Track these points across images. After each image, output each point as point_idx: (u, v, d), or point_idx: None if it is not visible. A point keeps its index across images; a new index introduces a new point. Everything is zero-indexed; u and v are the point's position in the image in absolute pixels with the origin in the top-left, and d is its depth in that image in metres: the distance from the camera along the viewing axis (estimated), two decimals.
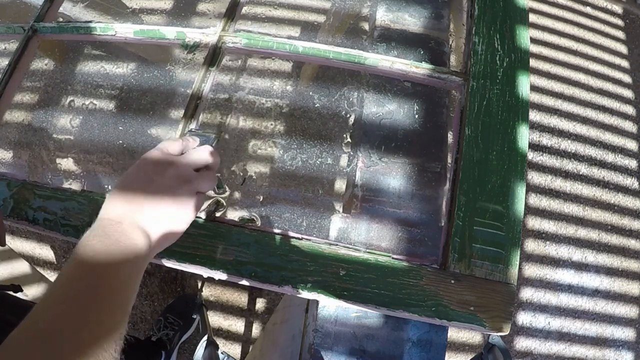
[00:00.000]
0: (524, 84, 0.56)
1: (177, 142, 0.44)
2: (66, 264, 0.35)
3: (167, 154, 0.42)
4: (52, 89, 1.26)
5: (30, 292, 1.07)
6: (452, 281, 0.46)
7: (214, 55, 0.59)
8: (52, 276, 1.33)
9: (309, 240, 0.48)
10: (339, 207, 1.11)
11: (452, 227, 0.49)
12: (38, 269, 1.25)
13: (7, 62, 0.64)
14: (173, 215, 0.40)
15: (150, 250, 0.38)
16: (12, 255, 1.10)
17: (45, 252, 1.35)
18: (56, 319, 0.31)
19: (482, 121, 0.54)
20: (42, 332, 0.30)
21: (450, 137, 0.57)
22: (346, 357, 0.48)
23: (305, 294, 0.46)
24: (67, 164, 1.12)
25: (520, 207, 0.50)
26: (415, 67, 0.57)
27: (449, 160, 0.55)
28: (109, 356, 0.31)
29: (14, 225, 0.53)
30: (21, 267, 1.09)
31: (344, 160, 1.15)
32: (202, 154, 0.44)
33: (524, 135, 0.53)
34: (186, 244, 0.48)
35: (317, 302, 0.51)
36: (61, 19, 0.94)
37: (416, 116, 0.60)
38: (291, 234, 0.49)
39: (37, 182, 0.54)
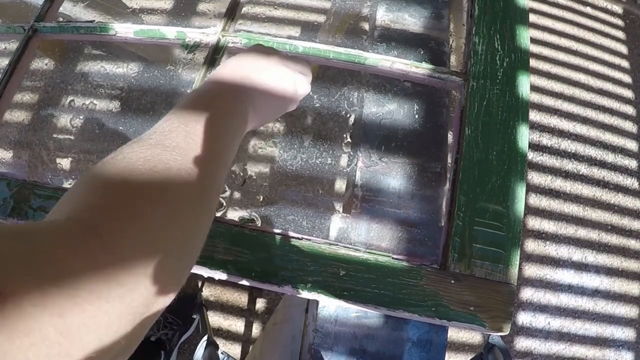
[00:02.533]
0: (524, 84, 0.56)
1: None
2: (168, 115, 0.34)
3: (274, 49, 0.43)
4: (53, 89, 1.26)
5: None
6: (452, 281, 0.46)
7: (213, 55, 0.59)
8: None
9: (309, 240, 0.48)
10: (339, 207, 1.11)
11: (452, 227, 0.49)
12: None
13: (7, 62, 0.65)
14: (276, 98, 0.40)
15: (250, 117, 0.38)
16: None
17: None
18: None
19: (482, 121, 0.54)
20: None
21: (450, 137, 0.57)
22: (346, 357, 0.48)
23: (305, 294, 0.46)
24: (67, 164, 1.12)
25: (520, 207, 0.50)
26: (415, 67, 0.57)
27: (449, 161, 0.55)
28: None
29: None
30: None
31: (344, 160, 1.15)
32: (304, 60, 0.44)
33: (524, 135, 0.53)
34: None
35: (317, 302, 0.51)
36: (62, 19, 0.94)
37: (416, 116, 0.60)
38: (291, 234, 0.49)
39: (37, 182, 0.54)
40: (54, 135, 1.21)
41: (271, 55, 0.41)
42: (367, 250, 0.48)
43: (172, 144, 0.30)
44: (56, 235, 0.22)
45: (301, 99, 0.45)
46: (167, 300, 0.26)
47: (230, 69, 0.39)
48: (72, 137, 1.20)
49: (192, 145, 0.30)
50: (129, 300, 0.22)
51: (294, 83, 0.42)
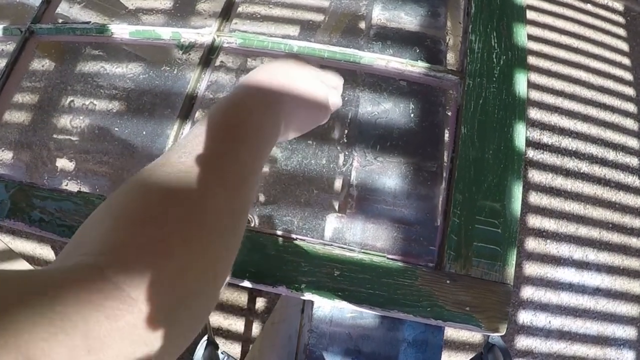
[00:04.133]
0: (521, 82, 0.56)
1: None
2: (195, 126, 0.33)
3: (306, 62, 0.42)
4: (52, 90, 1.26)
5: None
6: (448, 281, 0.46)
7: (208, 56, 0.58)
8: None
9: (304, 240, 0.48)
10: (334, 206, 1.11)
11: (448, 226, 0.48)
12: (38, 269, 1.25)
13: (4, 64, 0.65)
14: (309, 110, 0.40)
15: (280, 129, 0.37)
16: (12, 255, 1.11)
17: (45, 252, 1.35)
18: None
19: (479, 120, 0.53)
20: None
21: (446, 136, 0.57)
22: (341, 358, 0.48)
23: (299, 295, 0.46)
24: (64, 164, 1.13)
25: (517, 206, 0.50)
26: (411, 65, 0.57)
27: (445, 159, 0.55)
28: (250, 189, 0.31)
29: (13, 226, 0.53)
30: (21, 268, 1.09)
31: (339, 160, 1.15)
32: (336, 74, 0.43)
33: (521, 134, 0.53)
34: None
35: (312, 302, 0.51)
36: (60, 20, 0.94)
37: (412, 115, 0.60)
38: (285, 234, 0.48)
39: (34, 184, 0.54)
40: (54, 136, 1.22)
41: (305, 66, 0.40)
42: (362, 251, 0.48)
43: (203, 166, 0.28)
44: (76, 287, 0.20)
45: (333, 112, 0.44)
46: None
47: (263, 77, 0.38)
48: (71, 138, 1.20)
49: (225, 166, 0.29)
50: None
51: (327, 95, 0.41)
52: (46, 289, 0.19)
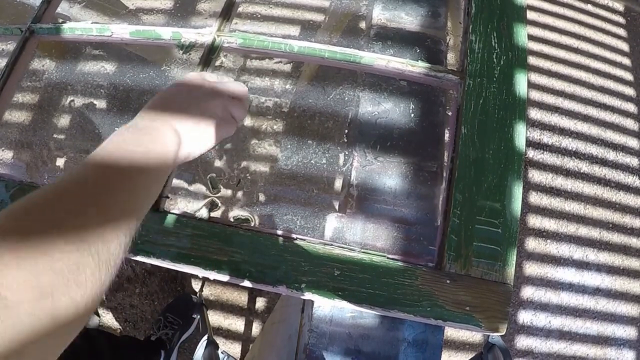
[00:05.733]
0: (521, 82, 0.56)
1: (213, 74, 0.45)
2: (91, 154, 0.34)
3: (202, 77, 0.44)
4: (52, 89, 1.26)
5: None
6: (448, 281, 0.46)
7: (208, 55, 0.58)
8: None
9: (304, 240, 0.48)
10: (334, 206, 1.11)
11: (448, 226, 0.48)
12: None
13: (4, 64, 0.65)
14: (207, 126, 0.41)
15: (177, 154, 0.38)
16: None
17: None
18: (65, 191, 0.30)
19: (479, 120, 0.53)
20: (48, 199, 0.29)
21: (446, 135, 0.57)
22: (341, 357, 0.48)
23: (299, 294, 0.46)
24: (64, 164, 1.13)
25: (517, 206, 0.50)
26: (411, 65, 0.57)
27: (445, 159, 0.55)
28: (115, 238, 0.30)
29: None
30: None
31: (339, 160, 1.15)
32: (238, 84, 0.45)
33: (521, 134, 0.53)
34: (181, 244, 0.48)
35: (312, 302, 0.51)
36: (61, 20, 0.94)
37: (412, 115, 0.60)
38: (286, 233, 0.48)
39: (34, 183, 0.54)
40: (54, 136, 1.22)
41: (199, 83, 0.42)
42: (362, 250, 0.48)
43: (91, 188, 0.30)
44: None
45: (239, 123, 0.45)
46: None
47: (157, 102, 0.40)
48: (71, 137, 1.20)
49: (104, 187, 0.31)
50: None
51: (225, 109, 0.42)
52: None
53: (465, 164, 0.51)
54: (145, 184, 0.35)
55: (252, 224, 0.51)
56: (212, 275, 0.47)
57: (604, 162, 1.57)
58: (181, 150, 0.39)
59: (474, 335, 1.35)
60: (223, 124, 0.42)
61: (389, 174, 0.57)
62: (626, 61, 1.74)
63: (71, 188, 0.31)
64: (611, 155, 1.58)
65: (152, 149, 0.36)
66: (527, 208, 1.49)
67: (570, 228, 1.48)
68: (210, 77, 0.44)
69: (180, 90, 0.41)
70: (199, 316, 1.25)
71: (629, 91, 1.69)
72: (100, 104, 1.22)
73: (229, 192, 1.22)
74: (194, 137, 0.40)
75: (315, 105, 1.24)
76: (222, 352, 1.05)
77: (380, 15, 0.67)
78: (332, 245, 0.48)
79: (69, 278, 0.25)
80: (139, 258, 0.48)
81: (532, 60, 1.68)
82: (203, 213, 0.50)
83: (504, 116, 0.54)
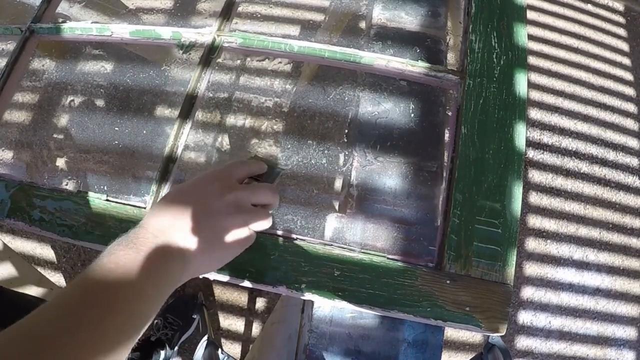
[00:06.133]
0: (521, 82, 0.56)
1: (245, 166, 0.41)
2: (86, 268, 0.32)
3: (230, 178, 0.39)
4: (52, 89, 1.26)
5: (31, 292, 1.07)
6: (448, 281, 0.46)
7: (208, 55, 0.58)
8: (52, 276, 1.33)
9: (304, 240, 0.48)
10: (334, 206, 1.11)
11: (448, 226, 0.48)
12: (38, 269, 1.25)
13: (4, 63, 0.65)
14: (220, 249, 0.37)
15: (181, 276, 0.35)
16: (12, 255, 1.11)
17: (45, 252, 1.35)
18: (54, 321, 0.28)
19: (479, 120, 0.53)
20: (32, 333, 0.27)
21: (446, 135, 0.57)
22: (341, 358, 0.48)
23: (299, 295, 0.46)
24: (64, 164, 1.13)
25: (517, 206, 0.50)
26: (411, 65, 0.57)
27: (445, 159, 0.55)
28: None
29: (13, 226, 0.53)
30: (21, 267, 1.09)
31: (340, 160, 1.15)
32: (265, 191, 0.40)
33: (521, 134, 0.53)
34: None
35: (312, 302, 0.51)
36: (61, 19, 0.94)
37: (412, 115, 0.60)
38: (285, 234, 0.48)
39: (34, 183, 0.54)
40: (54, 136, 1.22)
41: (220, 191, 0.37)
42: (362, 251, 0.48)
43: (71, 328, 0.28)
44: None
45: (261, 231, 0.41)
46: None
47: (167, 209, 0.35)
48: (71, 137, 1.20)
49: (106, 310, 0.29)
50: None
51: (246, 223, 0.38)
52: None
53: (465, 164, 0.51)
54: (142, 310, 0.32)
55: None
56: (212, 275, 0.47)
57: (604, 162, 1.57)
58: (185, 274, 0.35)
59: (474, 336, 1.35)
60: (239, 243, 0.38)
61: (389, 174, 0.57)
62: (626, 61, 1.74)
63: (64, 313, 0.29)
64: (611, 155, 1.58)
65: (154, 274, 0.32)
66: (527, 208, 1.49)
67: (570, 228, 1.48)
68: (239, 172, 0.40)
69: (196, 198, 0.36)
70: (199, 316, 1.25)
71: (629, 91, 1.69)
72: (100, 103, 1.22)
73: None
74: (202, 260, 0.36)
75: (315, 105, 1.24)
76: (222, 353, 1.05)
77: (380, 15, 0.67)
78: (332, 245, 0.48)
79: None
80: None
81: (532, 60, 1.68)
82: None
83: (504, 116, 0.54)
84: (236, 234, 0.38)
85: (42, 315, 0.29)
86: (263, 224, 0.40)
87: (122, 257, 0.32)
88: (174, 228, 0.35)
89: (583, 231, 1.48)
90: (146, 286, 0.32)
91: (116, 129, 1.14)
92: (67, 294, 0.31)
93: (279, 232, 0.48)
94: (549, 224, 1.48)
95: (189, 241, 0.35)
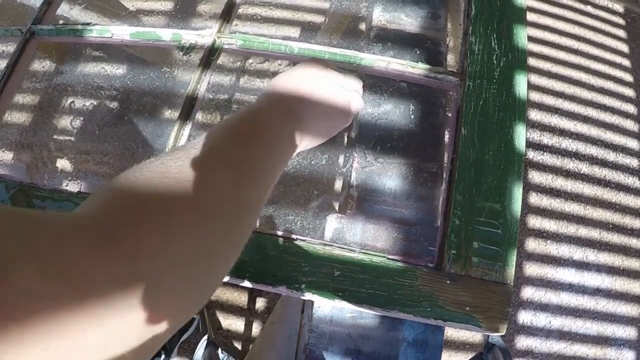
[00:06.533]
0: (521, 83, 0.56)
1: (326, 61, 0.43)
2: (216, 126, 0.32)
3: (328, 66, 0.41)
4: (52, 90, 1.27)
5: None
6: (448, 281, 0.46)
7: (209, 57, 0.59)
8: None
9: (304, 240, 0.48)
10: (335, 207, 1.11)
11: (448, 227, 0.49)
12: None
13: (5, 65, 0.65)
14: (332, 119, 0.39)
15: (296, 148, 0.37)
16: None
17: None
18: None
19: (479, 121, 0.54)
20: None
21: (446, 137, 0.57)
22: (341, 358, 0.48)
23: (299, 295, 0.46)
24: (65, 165, 1.13)
25: (517, 207, 0.50)
26: (411, 67, 0.57)
27: (445, 160, 0.55)
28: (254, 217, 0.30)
29: None
30: None
31: (340, 161, 1.15)
32: (355, 79, 0.43)
33: (521, 135, 0.53)
34: None
35: (312, 302, 0.51)
36: (61, 21, 0.95)
37: (412, 116, 0.60)
38: (286, 234, 0.49)
39: (35, 184, 0.54)
40: (54, 137, 1.22)
41: (326, 71, 0.40)
42: (362, 251, 0.48)
43: (206, 160, 0.27)
44: (68, 228, 0.20)
45: (355, 114, 0.43)
46: (183, 318, 0.24)
47: (284, 85, 0.37)
48: (72, 138, 1.20)
49: (228, 164, 0.29)
50: (135, 317, 0.20)
51: (349, 100, 0.40)
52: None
53: (465, 165, 0.51)
54: (274, 166, 0.33)
55: None
56: None
57: (604, 163, 1.57)
58: (301, 145, 0.37)
59: (474, 336, 1.35)
60: (344, 116, 0.41)
61: (389, 175, 0.57)
62: (626, 62, 1.74)
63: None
64: (611, 156, 1.58)
65: (275, 148, 0.34)
66: (527, 209, 1.49)
67: (571, 229, 1.48)
68: (329, 64, 0.43)
69: (309, 75, 0.39)
70: (198, 316, 1.25)
71: (629, 92, 1.69)
72: (101, 105, 1.23)
73: None
74: (318, 130, 0.38)
75: None
76: (222, 352, 1.05)
77: (380, 16, 0.67)
78: (332, 245, 0.48)
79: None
80: None
81: (532, 61, 1.68)
82: None
83: (504, 117, 0.54)
84: (341, 105, 0.40)
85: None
86: (360, 104, 0.43)
87: (252, 114, 0.34)
88: (293, 101, 0.37)
89: (583, 231, 1.48)
90: (283, 137, 0.34)
91: (116, 130, 1.14)
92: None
93: (279, 233, 0.49)
94: (549, 225, 1.48)
95: (304, 110, 0.37)
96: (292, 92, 0.37)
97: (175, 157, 0.27)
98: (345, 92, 0.40)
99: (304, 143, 0.38)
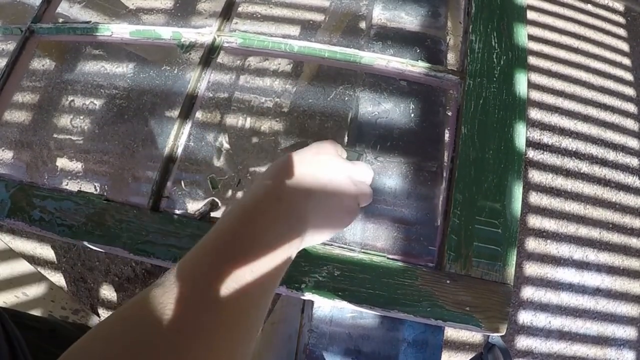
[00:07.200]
0: (522, 82, 0.56)
1: (337, 145, 0.40)
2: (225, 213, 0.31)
3: (336, 153, 0.39)
4: (52, 89, 1.26)
5: (31, 292, 1.07)
6: (448, 281, 0.46)
7: (209, 55, 0.58)
8: (52, 276, 1.33)
9: None
10: None
11: (448, 226, 0.48)
12: (38, 268, 1.25)
13: (4, 64, 0.65)
14: (336, 221, 0.37)
15: (299, 244, 0.34)
16: (12, 255, 1.11)
17: (45, 251, 1.35)
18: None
19: (479, 120, 0.53)
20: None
21: (446, 135, 0.57)
22: (341, 358, 0.48)
23: (299, 295, 0.46)
24: (64, 164, 1.13)
25: (517, 206, 0.50)
26: (411, 65, 0.57)
27: (445, 159, 0.55)
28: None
29: (13, 226, 0.53)
30: (21, 267, 1.09)
31: None
32: (366, 168, 0.40)
33: (521, 134, 0.53)
34: (181, 244, 0.48)
35: (312, 302, 0.51)
36: (61, 19, 0.95)
37: (412, 115, 0.60)
38: None
39: (34, 183, 0.54)
40: (54, 136, 1.22)
41: (336, 160, 0.36)
42: (362, 250, 0.48)
43: (209, 290, 0.27)
44: None
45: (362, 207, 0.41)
46: None
47: (289, 171, 0.34)
48: (71, 137, 1.20)
49: (224, 303, 0.28)
50: None
51: (357, 196, 0.38)
52: None
53: (465, 164, 0.51)
54: (269, 289, 0.32)
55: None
56: None
57: (604, 163, 1.57)
58: (300, 246, 0.35)
59: (474, 336, 1.35)
60: (350, 213, 0.38)
61: (388, 174, 0.57)
62: (626, 61, 1.74)
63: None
64: (611, 155, 1.58)
65: (283, 245, 0.32)
66: (527, 208, 1.49)
67: (570, 228, 1.48)
68: (337, 150, 0.39)
69: (318, 166, 0.35)
70: None
71: (629, 91, 1.69)
72: (100, 103, 1.22)
73: (229, 192, 1.21)
74: (320, 231, 0.36)
75: (315, 105, 1.25)
76: None
77: (380, 15, 0.67)
78: (332, 245, 0.48)
79: None
80: (139, 258, 0.48)
81: (532, 60, 1.68)
82: (203, 213, 0.50)
83: (504, 116, 0.54)
84: (350, 207, 0.37)
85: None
86: (368, 199, 0.40)
87: (252, 224, 0.32)
88: (298, 193, 0.34)
89: (583, 231, 1.48)
90: (278, 252, 0.32)
91: (116, 128, 1.14)
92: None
93: None
94: (549, 224, 1.48)
95: (311, 209, 0.34)
96: (297, 187, 0.34)
97: (159, 301, 0.27)
98: (354, 188, 0.37)
99: (303, 244, 0.36)
